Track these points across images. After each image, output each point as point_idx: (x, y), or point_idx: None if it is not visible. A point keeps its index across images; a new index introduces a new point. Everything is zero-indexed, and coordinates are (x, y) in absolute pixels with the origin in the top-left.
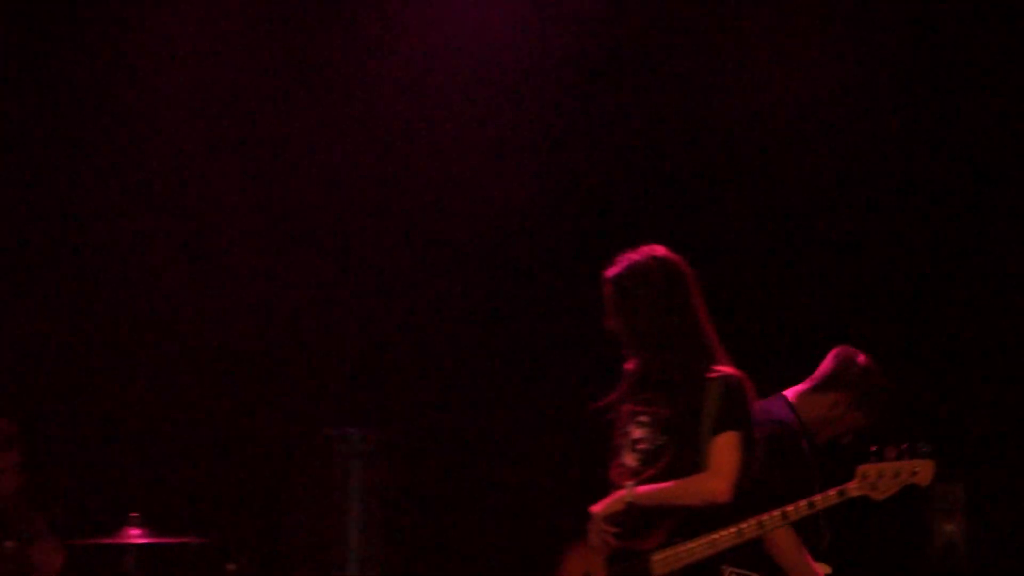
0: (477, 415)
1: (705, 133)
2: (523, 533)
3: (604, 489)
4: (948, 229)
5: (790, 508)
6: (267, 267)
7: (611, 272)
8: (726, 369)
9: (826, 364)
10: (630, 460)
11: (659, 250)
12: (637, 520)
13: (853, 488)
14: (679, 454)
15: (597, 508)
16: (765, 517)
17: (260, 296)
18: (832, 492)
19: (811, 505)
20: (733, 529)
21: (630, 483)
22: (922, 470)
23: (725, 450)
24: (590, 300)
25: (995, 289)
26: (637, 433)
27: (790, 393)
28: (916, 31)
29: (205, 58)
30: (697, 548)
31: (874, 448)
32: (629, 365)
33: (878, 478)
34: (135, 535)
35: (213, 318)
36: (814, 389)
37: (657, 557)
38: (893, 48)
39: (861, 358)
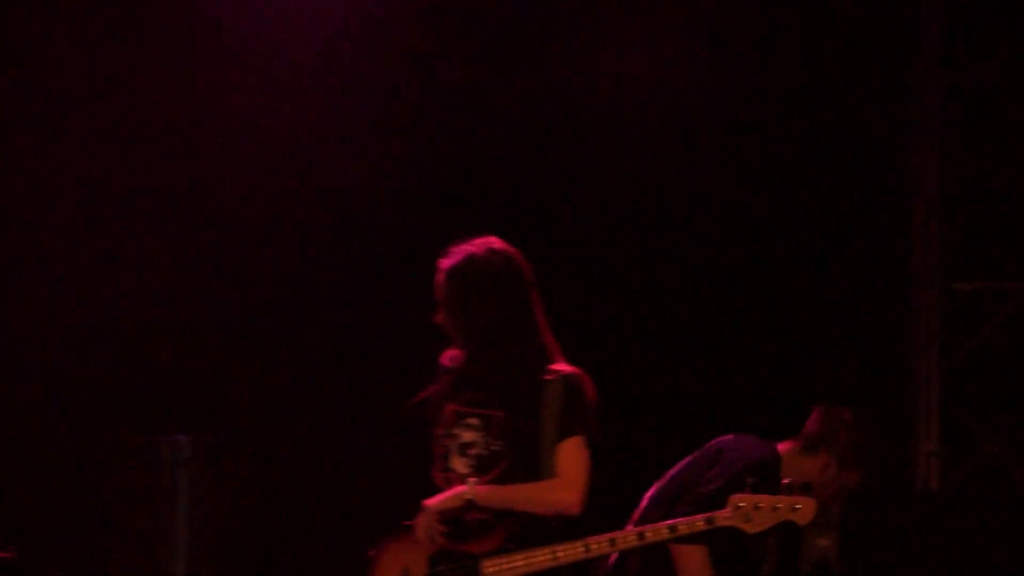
0: (310, 415)
1: (549, 121)
2: (359, 533)
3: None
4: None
5: (648, 529)
6: (86, 262)
7: (446, 263)
8: (565, 368)
9: (812, 423)
10: (460, 465)
11: (496, 242)
12: (472, 521)
13: (724, 517)
14: (517, 460)
15: (431, 502)
16: (619, 535)
17: (78, 292)
18: (699, 518)
19: (672, 529)
20: (580, 544)
21: (473, 480)
22: (803, 507)
23: (573, 456)
24: (425, 294)
25: (851, 278)
26: (467, 436)
27: (780, 447)
28: (767, 23)
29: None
30: (536, 559)
31: (751, 480)
32: (447, 361)
33: (753, 510)
34: None
35: (24, 314)
36: (803, 450)
37: (488, 563)
38: (745, 42)
39: (847, 415)
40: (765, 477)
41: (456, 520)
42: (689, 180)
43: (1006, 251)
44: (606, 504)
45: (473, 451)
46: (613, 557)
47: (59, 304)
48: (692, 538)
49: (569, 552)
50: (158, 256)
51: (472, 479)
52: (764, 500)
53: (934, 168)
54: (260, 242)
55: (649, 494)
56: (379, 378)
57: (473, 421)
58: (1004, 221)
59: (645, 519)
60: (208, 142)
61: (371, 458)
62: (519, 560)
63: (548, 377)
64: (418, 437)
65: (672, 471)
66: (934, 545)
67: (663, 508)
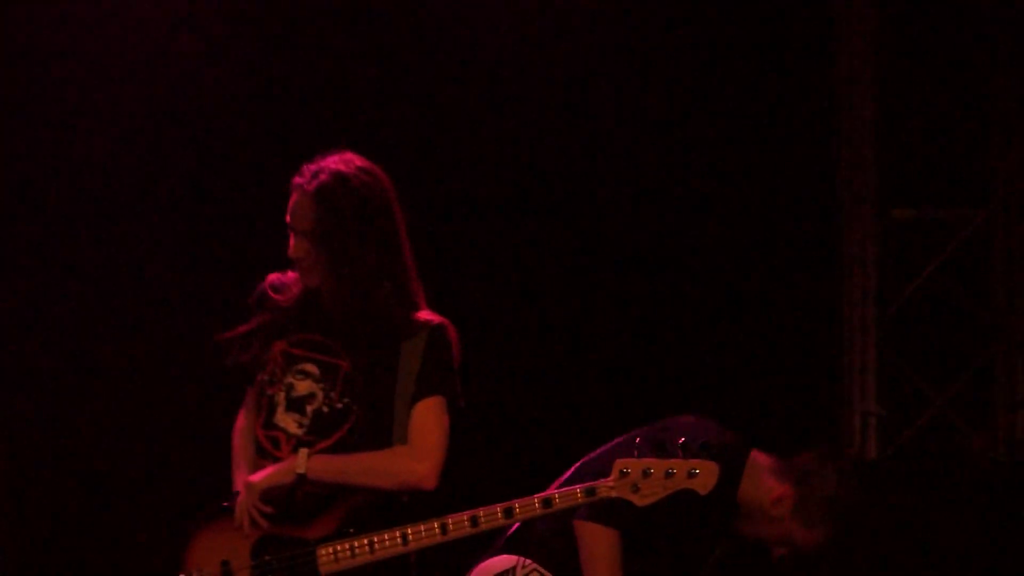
0: (92, 356)
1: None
2: (157, 514)
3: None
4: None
5: (518, 504)
6: None
7: (310, 182)
8: (430, 316)
9: (799, 455)
10: (290, 424)
11: (361, 160)
12: (304, 499)
13: (607, 487)
14: (365, 422)
15: (255, 478)
16: (482, 512)
17: None
18: (577, 489)
19: (546, 503)
20: (436, 524)
21: (305, 451)
22: (703, 471)
23: (429, 420)
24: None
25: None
26: (302, 387)
27: (760, 458)
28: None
29: None
30: (382, 544)
31: (638, 439)
32: (273, 290)
33: (641, 477)
34: None
35: None
36: (771, 470)
37: (324, 551)
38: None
39: (839, 464)
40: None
41: (285, 499)
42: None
43: (951, 174)
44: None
45: (310, 406)
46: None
47: None
48: (595, 515)
49: (422, 534)
50: None
51: (304, 446)
52: (654, 464)
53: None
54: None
55: (575, 466)
56: (172, 309)
57: (310, 368)
58: (946, 142)
59: None
60: None
61: (172, 414)
62: (362, 546)
63: (412, 323)
64: (233, 385)
65: (609, 444)
66: (871, 522)
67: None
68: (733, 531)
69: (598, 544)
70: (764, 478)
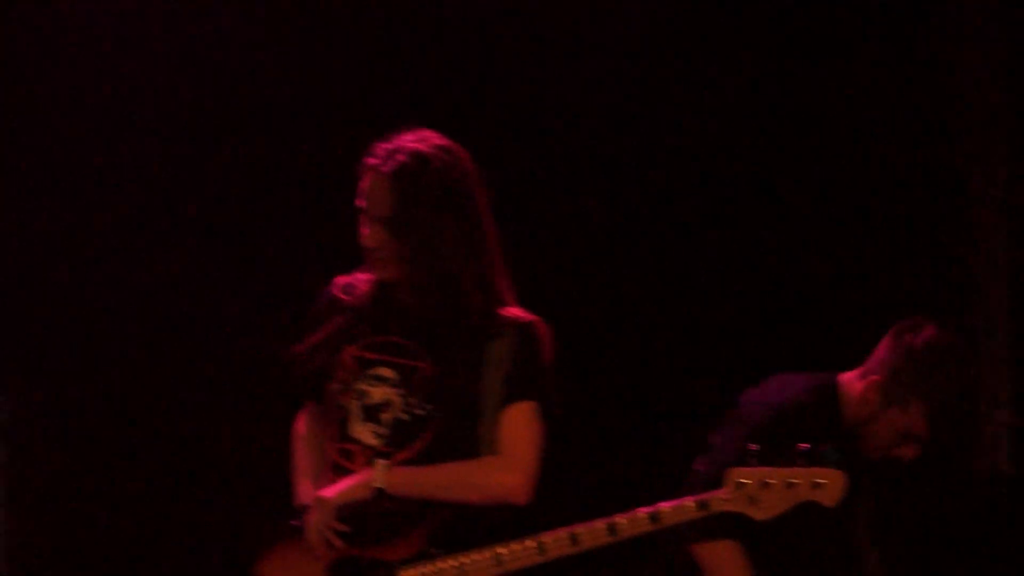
0: (156, 369)
1: None
2: (223, 533)
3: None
4: None
5: (622, 519)
6: None
7: (384, 162)
8: (519, 312)
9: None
10: (366, 435)
11: (440, 138)
12: (382, 517)
13: (722, 499)
14: (449, 430)
15: (328, 493)
16: (583, 530)
17: None
18: (689, 502)
19: (654, 518)
20: (532, 543)
21: (383, 463)
22: (829, 482)
23: (521, 428)
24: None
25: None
26: (377, 394)
27: (846, 377)
28: None
29: None
30: (472, 565)
31: (755, 447)
32: (341, 290)
33: (760, 488)
34: None
35: None
36: (859, 378)
37: (407, 573)
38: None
39: (928, 331)
40: (799, 427)
41: (362, 516)
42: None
43: None
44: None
45: (387, 415)
46: None
47: None
48: (711, 531)
49: (519, 555)
50: None
51: (382, 458)
52: (773, 474)
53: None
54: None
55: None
56: (239, 318)
57: (386, 373)
58: None
59: None
60: None
61: (239, 427)
62: (450, 568)
63: (498, 324)
64: (301, 395)
65: (718, 442)
66: (1005, 546)
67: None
68: (863, 464)
69: (719, 560)
70: (855, 391)
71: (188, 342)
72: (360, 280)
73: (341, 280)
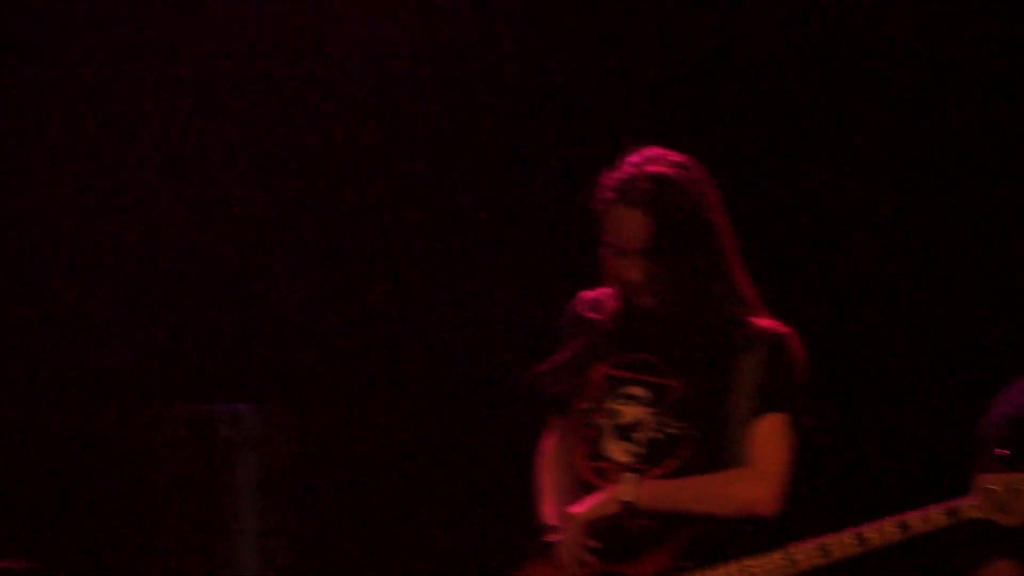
0: (409, 383)
1: None
2: (456, 534)
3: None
4: None
5: (870, 530)
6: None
7: (628, 193)
8: (769, 324)
9: None
10: (619, 453)
11: (674, 154)
12: (633, 532)
13: (970, 506)
14: (702, 447)
15: (579, 509)
16: (833, 541)
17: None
18: (938, 510)
19: (903, 527)
20: (780, 556)
21: (631, 476)
22: None
23: (771, 439)
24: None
25: None
26: (629, 413)
27: None
28: None
29: None
30: None
31: (1002, 451)
32: (587, 308)
33: (1009, 494)
34: None
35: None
36: None
37: None
38: None
39: None
40: None
41: (613, 532)
42: None
43: None
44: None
45: (640, 434)
46: None
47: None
48: (984, 549)
49: (770, 567)
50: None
51: (630, 473)
52: (1022, 481)
53: None
54: (338, 181)
55: None
56: (494, 337)
57: (637, 391)
58: None
59: None
60: None
61: (491, 442)
62: None
63: (748, 338)
64: (549, 413)
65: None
66: None
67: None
68: None
69: None
70: None
71: (439, 360)
72: (605, 296)
73: (586, 296)
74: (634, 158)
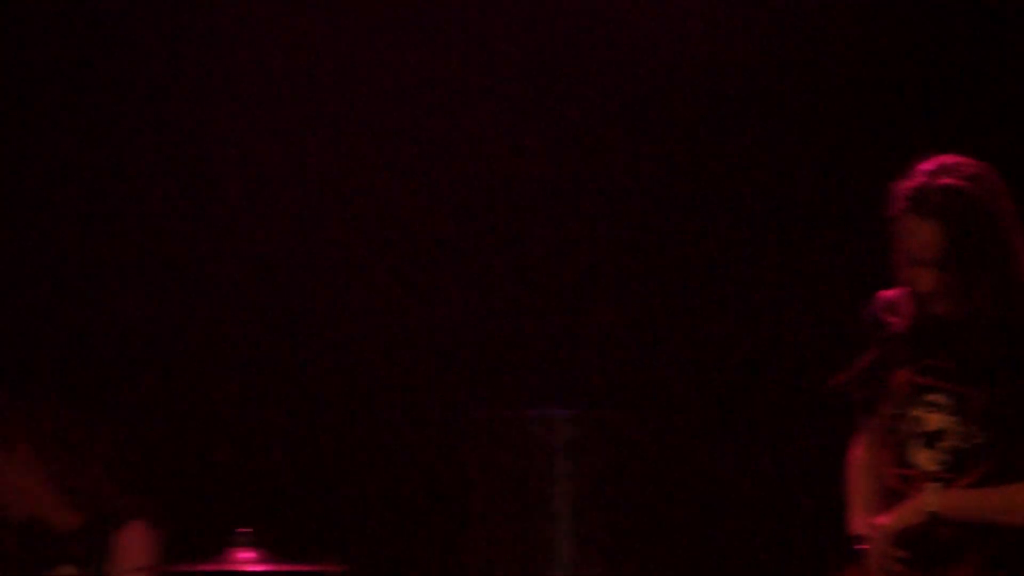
0: (713, 393)
1: None
2: (773, 540)
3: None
4: None
5: None
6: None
7: (921, 205)
8: None
9: None
10: (925, 461)
11: (967, 162)
12: (941, 542)
13: None
14: (1010, 458)
15: (885, 520)
16: None
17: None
18: None
19: None
20: None
21: (935, 486)
22: None
23: None
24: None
25: None
26: (932, 421)
27: None
28: None
29: None
30: None
31: None
32: (887, 314)
33: None
34: (245, 559)
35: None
36: None
37: None
38: None
39: None
40: None
41: (919, 541)
42: None
43: None
44: None
45: (944, 442)
46: None
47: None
48: None
49: None
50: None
51: (935, 482)
52: None
53: None
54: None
55: None
56: (798, 342)
57: (939, 399)
58: None
59: None
60: None
61: (801, 447)
62: None
63: None
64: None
65: None
66: None
67: None
68: None
69: None
70: None
71: (753, 364)
72: (901, 299)
73: (883, 297)
74: (927, 166)
